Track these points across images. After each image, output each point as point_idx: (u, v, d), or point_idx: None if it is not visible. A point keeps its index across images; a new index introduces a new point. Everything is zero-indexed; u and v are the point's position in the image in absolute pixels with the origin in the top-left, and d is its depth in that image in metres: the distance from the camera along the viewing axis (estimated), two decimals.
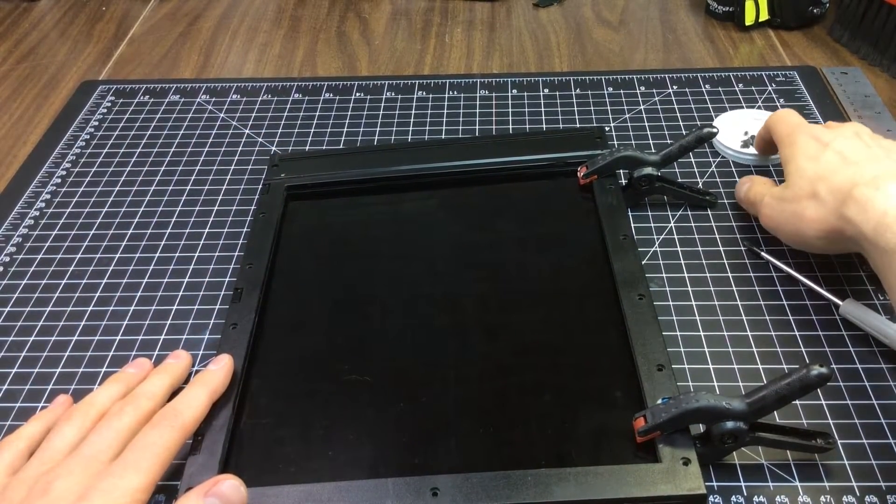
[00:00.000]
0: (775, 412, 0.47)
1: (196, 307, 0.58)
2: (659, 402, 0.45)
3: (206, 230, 0.64)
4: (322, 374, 0.51)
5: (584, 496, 0.42)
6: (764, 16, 0.86)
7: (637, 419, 0.45)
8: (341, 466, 0.46)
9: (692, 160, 0.68)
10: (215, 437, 0.46)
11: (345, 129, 0.74)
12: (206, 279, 0.60)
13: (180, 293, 0.59)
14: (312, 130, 0.74)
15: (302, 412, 0.49)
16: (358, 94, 0.79)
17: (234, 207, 0.66)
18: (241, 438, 0.47)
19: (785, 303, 0.56)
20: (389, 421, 0.48)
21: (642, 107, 0.75)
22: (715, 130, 0.61)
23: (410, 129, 0.74)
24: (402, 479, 0.43)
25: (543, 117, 0.74)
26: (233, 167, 0.71)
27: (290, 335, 0.54)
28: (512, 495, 0.42)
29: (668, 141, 0.70)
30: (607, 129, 0.72)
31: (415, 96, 0.78)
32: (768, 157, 0.67)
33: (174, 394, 0.48)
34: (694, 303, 0.56)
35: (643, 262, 0.59)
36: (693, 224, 0.62)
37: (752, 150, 0.67)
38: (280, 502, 0.43)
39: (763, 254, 0.59)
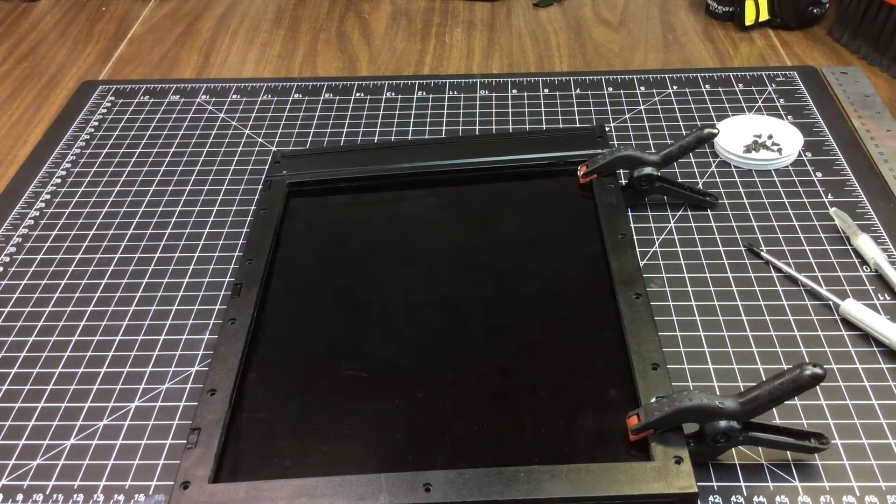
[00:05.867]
0: (774, 411, 0.47)
1: (196, 307, 0.58)
2: (653, 400, 0.45)
3: (206, 230, 0.64)
4: (319, 370, 0.51)
5: (575, 493, 0.42)
6: (764, 16, 0.86)
7: (630, 417, 0.45)
8: (336, 461, 0.46)
9: (692, 160, 0.68)
10: (212, 431, 0.46)
11: (345, 129, 0.74)
12: (206, 279, 0.60)
13: (180, 293, 0.59)
14: (312, 130, 0.74)
15: (298, 407, 0.49)
16: (358, 94, 0.79)
17: (234, 207, 0.66)
18: (238, 432, 0.47)
19: (785, 303, 0.56)
20: (385, 417, 0.48)
21: (642, 107, 0.75)
22: (715, 131, 0.61)
23: (410, 129, 0.74)
24: (396, 474, 0.43)
25: (543, 117, 0.74)
26: (233, 167, 0.71)
27: (288, 331, 0.54)
28: (504, 491, 0.42)
29: (668, 141, 0.70)
30: (607, 129, 0.72)
31: (415, 96, 0.78)
32: (769, 161, 0.67)
33: None
34: (694, 303, 0.56)
35: (643, 262, 0.59)
36: (693, 224, 0.62)
37: (754, 154, 0.67)
38: (274, 496, 0.43)
39: (763, 254, 0.59)
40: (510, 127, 0.73)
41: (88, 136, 0.75)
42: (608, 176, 0.62)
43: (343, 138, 0.73)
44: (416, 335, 0.53)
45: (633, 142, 0.71)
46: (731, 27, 0.88)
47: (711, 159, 0.68)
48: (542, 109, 0.75)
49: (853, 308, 0.54)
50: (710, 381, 0.51)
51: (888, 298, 0.56)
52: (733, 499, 0.45)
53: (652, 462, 0.43)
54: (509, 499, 0.42)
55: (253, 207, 0.66)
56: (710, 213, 0.63)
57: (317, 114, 0.77)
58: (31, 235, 0.65)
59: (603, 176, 0.62)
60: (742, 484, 0.46)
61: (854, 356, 0.52)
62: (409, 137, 0.73)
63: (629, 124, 0.73)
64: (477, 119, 0.75)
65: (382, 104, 0.77)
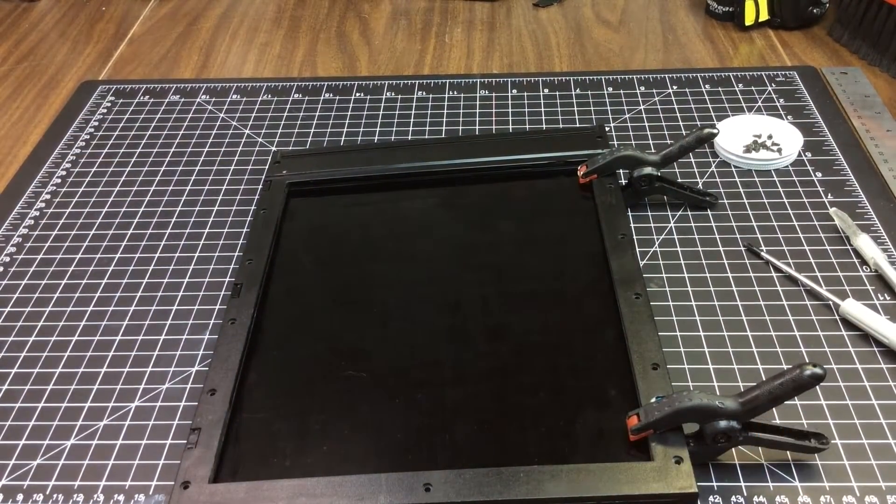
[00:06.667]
0: (774, 411, 0.47)
1: (196, 307, 0.58)
2: (653, 400, 0.45)
3: (206, 230, 0.64)
4: (319, 370, 0.51)
5: (575, 493, 0.42)
6: (764, 16, 0.86)
7: (630, 417, 0.45)
8: (336, 461, 0.46)
9: (692, 160, 0.68)
10: (212, 431, 0.46)
11: (345, 130, 0.74)
12: (206, 279, 0.60)
13: (180, 293, 0.59)
14: (312, 130, 0.74)
15: (298, 407, 0.49)
16: (358, 94, 0.79)
17: (234, 207, 0.66)
18: (238, 432, 0.47)
19: (785, 303, 0.56)
20: (384, 417, 0.48)
21: (642, 107, 0.75)
22: (715, 131, 0.61)
23: (410, 129, 0.74)
24: (396, 474, 0.43)
25: (543, 117, 0.74)
26: (233, 167, 0.71)
27: (288, 331, 0.54)
28: (504, 491, 0.42)
29: (668, 141, 0.70)
30: (607, 129, 0.72)
31: (415, 96, 0.78)
32: (769, 161, 0.67)
33: None
34: (694, 303, 0.56)
35: (643, 262, 0.59)
36: (693, 224, 0.62)
37: (754, 154, 0.67)
38: (274, 496, 0.43)
39: (763, 254, 0.59)
40: (510, 127, 0.73)
41: (88, 136, 0.75)
42: (608, 176, 0.62)
43: (343, 138, 0.73)
44: (416, 335, 0.53)
45: (633, 142, 0.71)
46: (731, 27, 0.88)
47: (711, 159, 0.68)
48: (542, 109, 0.75)
49: (853, 308, 0.54)
50: (710, 381, 0.51)
51: (888, 298, 0.56)
52: (733, 499, 0.45)
53: (652, 462, 0.43)
54: (509, 499, 0.42)
55: (253, 207, 0.66)
56: (710, 213, 0.63)
57: (317, 114, 0.77)
58: (31, 235, 0.65)
59: (603, 176, 0.62)
60: (742, 484, 0.46)
61: (854, 356, 0.52)
62: (409, 137, 0.73)
63: (629, 124, 0.73)
64: (477, 119, 0.75)
65: (382, 104, 0.77)
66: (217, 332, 0.54)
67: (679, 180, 0.65)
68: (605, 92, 0.77)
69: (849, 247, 0.60)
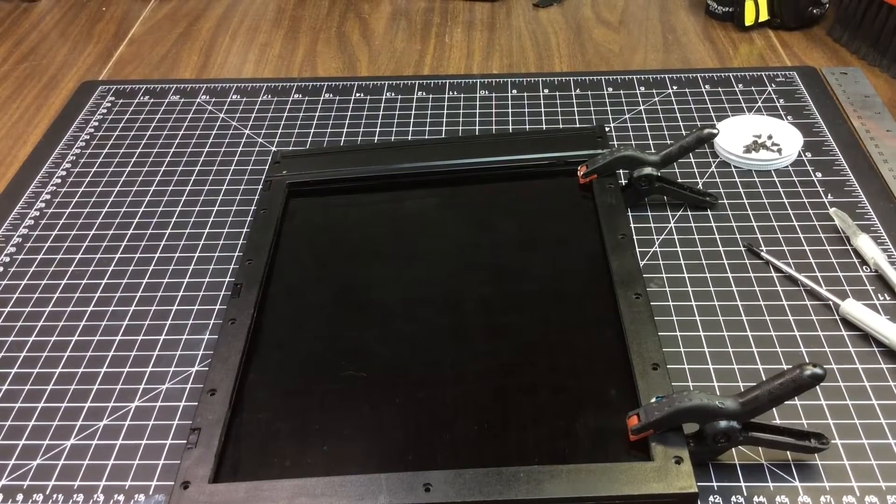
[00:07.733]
0: (774, 411, 0.47)
1: (196, 307, 0.58)
2: (653, 400, 0.45)
3: (206, 230, 0.64)
4: (319, 370, 0.51)
5: (575, 493, 0.42)
6: (764, 16, 0.86)
7: (630, 417, 0.45)
8: (336, 461, 0.46)
9: (692, 161, 0.68)
10: (212, 431, 0.46)
11: (345, 130, 0.74)
12: (206, 279, 0.60)
13: (180, 293, 0.59)
14: (312, 131, 0.74)
15: (298, 407, 0.49)
16: (358, 95, 0.79)
17: (234, 208, 0.66)
18: (238, 432, 0.47)
19: (785, 303, 0.56)
20: (384, 417, 0.48)
21: (642, 107, 0.75)
22: (715, 132, 0.61)
23: (410, 129, 0.74)
24: (396, 474, 0.43)
25: (543, 117, 0.74)
26: (233, 167, 0.71)
27: (288, 331, 0.54)
28: (504, 491, 0.42)
29: (668, 141, 0.70)
30: (607, 129, 0.72)
31: (415, 97, 0.78)
32: (769, 161, 0.67)
33: None
34: (694, 303, 0.56)
35: (643, 262, 0.59)
36: (693, 224, 0.62)
37: (754, 154, 0.67)
38: (275, 496, 0.43)
39: (763, 254, 0.59)
40: (510, 127, 0.73)
41: (88, 137, 0.75)
42: (608, 176, 0.62)
43: (343, 138, 0.73)
44: (416, 335, 0.53)
45: (633, 142, 0.71)
46: (730, 27, 0.88)
47: (711, 159, 0.68)
48: (542, 109, 0.75)
49: (853, 308, 0.54)
50: (710, 381, 0.51)
51: (888, 298, 0.56)
52: (733, 499, 0.45)
53: (652, 462, 0.43)
54: (509, 499, 0.42)
55: (253, 207, 0.66)
56: (710, 213, 0.63)
57: (317, 114, 0.77)
58: (31, 235, 0.65)
59: (603, 176, 0.62)
60: (742, 484, 0.46)
61: (854, 356, 0.52)
62: (409, 137, 0.73)
63: (629, 124, 0.73)
64: (477, 119, 0.75)
65: (382, 104, 0.77)
66: (217, 332, 0.54)
67: (679, 180, 0.65)
68: (605, 92, 0.77)
69: (849, 247, 0.60)
